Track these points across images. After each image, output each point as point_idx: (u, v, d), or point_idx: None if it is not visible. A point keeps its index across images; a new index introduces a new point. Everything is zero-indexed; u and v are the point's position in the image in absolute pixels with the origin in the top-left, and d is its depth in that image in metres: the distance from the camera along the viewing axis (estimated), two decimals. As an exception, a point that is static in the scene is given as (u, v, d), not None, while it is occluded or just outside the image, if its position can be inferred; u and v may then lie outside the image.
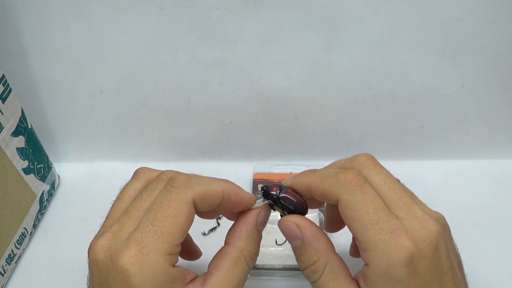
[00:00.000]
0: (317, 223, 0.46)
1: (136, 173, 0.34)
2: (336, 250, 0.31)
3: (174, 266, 0.28)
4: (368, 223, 0.28)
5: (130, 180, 0.34)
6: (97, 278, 0.29)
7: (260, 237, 0.32)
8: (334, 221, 0.35)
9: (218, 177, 0.32)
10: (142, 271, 0.27)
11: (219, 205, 0.31)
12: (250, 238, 0.31)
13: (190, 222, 0.29)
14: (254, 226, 0.32)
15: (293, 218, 0.31)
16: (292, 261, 0.43)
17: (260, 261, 0.42)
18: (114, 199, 0.33)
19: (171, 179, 0.30)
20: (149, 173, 0.34)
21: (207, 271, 0.31)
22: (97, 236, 0.30)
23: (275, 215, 0.34)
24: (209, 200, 0.30)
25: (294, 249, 0.32)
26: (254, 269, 0.42)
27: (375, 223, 0.28)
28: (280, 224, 0.32)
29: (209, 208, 0.31)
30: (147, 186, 0.31)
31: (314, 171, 0.32)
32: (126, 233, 0.29)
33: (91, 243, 0.30)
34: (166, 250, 0.28)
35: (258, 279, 0.43)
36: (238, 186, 0.32)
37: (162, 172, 0.32)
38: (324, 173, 0.32)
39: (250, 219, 0.32)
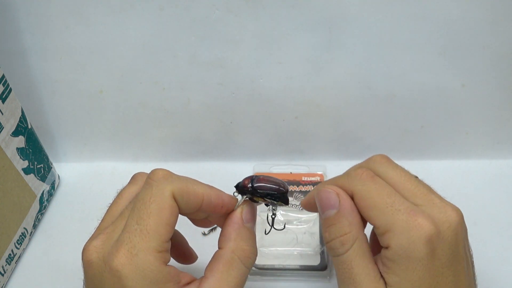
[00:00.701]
0: (317, 224, 0.46)
1: (134, 178, 0.35)
2: None
3: (166, 265, 0.28)
4: (384, 207, 0.28)
5: (127, 184, 0.34)
6: (91, 279, 0.29)
7: (251, 235, 0.32)
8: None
9: (201, 181, 0.32)
10: (133, 272, 0.27)
11: (200, 207, 0.30)
12: (239, 237, 0.31)
13: (174, 217, 0.29)
14: (241, 225, 0.31)
15: (334, 187, 0.31)
16: (292, 261, 0.43)
17: (260, 261, 0.42)
18: (111, 203, 0.33)
19: (151, 172, 0.30)
20: (146, 178, 0.34)
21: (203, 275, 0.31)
22: (91, 238, 0.30)
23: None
24: (188, 199, 0.30)
25: (325, 219, 0.31)
26: (254, 269, 0.42)
27: (390, 205, 0.28)
28: (319, 191, 0.32)
29: (192, 209, 0.30)
30: (141, 190, 0.31)
31: (326, 180, 0.34)
32: (117, 234, 0.29)
33: (85, 244, 0.30)
34: (154, 248, 0.28)
35: (258, 279, 0.43)
36: (218, 189, 0.32)
37: (152, 173, 0.32)
38: (336, 176, 0.33)
39: (235, 219, 0.32)
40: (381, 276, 0.29)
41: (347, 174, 0.32)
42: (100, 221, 0.32)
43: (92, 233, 0.32)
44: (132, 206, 0.29)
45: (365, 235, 0.30)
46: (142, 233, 0.28)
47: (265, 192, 0.32)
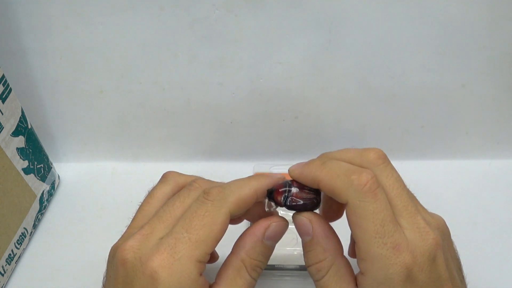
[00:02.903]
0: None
1: (164, 177, 0.34)
2: None
3: (201, 275, 0.28)
4: (373, 235, 0.27)
5: (158, 184, 0.34)
6: (122, 278, 0.29)
7: (267, 251, 0.31)
8: (332, 210, 0.34)
9: (249, 176, 0.32)
10: (171, 276, 0.27)
11: (256, 201, 0.31)
12: (253, 250, 0.31)
13: (223, 232, 0.29)
14: (260, 239, 0.31)
15: (307, 214, 0.31)
16: (292, 261, 0.43)
17: (260, 261, 0.42)
18: (142, 201, 0.33)
19: (205, 193, 0.30)
20: (178, 178, 0.34)
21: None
22: (125, 237, 0.30)
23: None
24: (245, 205, 0.30)
25: (304, 245, 0.31)
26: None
27: (380, 236, 0.27)
28: (294, 217, 0.31)
29: (245, 210, 0.31)
30: (179, 193, 0.32)
31: (323, 164, 0.30)
32: (157, 236, 0.29)
33: (118, 243, 0.30)
34: (198, 257, 0.28)
35: (258, 279, 0.43)
36: (265, 175, 0.31)
37: (194, 181, 0.32)
38: (335, 168, 0.29)
39: (256, 231, 0.31)
40: None
41: (348, 176, 0.28)
42: (131, 220, 0.32)
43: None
44: (180, 214, 0.30)
45: (344, 258, 0.30)
46: (190, 241, 0.28)
47: (298, 208, 0.31)
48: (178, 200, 0.31)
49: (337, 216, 0.34)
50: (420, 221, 0.28)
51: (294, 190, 0.31)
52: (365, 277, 0.28)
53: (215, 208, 0.29)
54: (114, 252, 0.30)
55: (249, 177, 0.32)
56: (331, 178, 0.29)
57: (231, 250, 0.31)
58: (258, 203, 0.32)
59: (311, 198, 0.31)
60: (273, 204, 0.32)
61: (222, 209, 0.29)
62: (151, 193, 0.33)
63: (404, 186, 0.30)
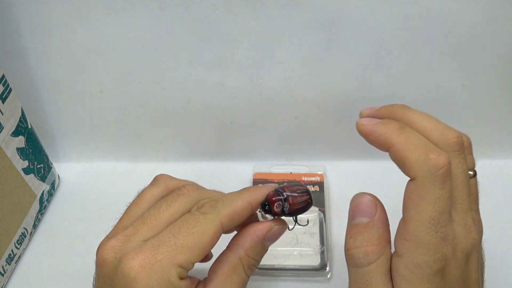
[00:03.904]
0: (317, 224, 0.46)
1: (156, 180, 0.34)
2: None
3: (182, 278, 0.28)
4: (428, 220, 0.26)
5: (148, 186, 0.34)
6: (102, 278, 0.29)
7: (264, 251, 0.32)
8: None
9: (241, 189, 0.31)
10: (149, 276, 0.27)
11: (252, 213, 0.31)
12: (252, 249, 0.31)
13: (213, 243, 0.29)
14: (260, 239, 0.31)
15: (372, 195, 0.29)
16: (292, 261, 0.43)
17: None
18: (130, 202, 0.33)
19: (198, 207, 0.30)
20: (169, 181, 0.34)
21: (207, 275, 0.31)
22: (108, 237, 0.30)
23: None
24: (238, 218, 0.30)
25: (354, 225, 0.29)
26: (254, 269, 0.42)
27: (434, 223, 0.26)
28: (356, 197, 0.29)
29: (240, 222, 0.30)
30: (167, 197, 0.31)
31: (401, 128, 0.28)
32: (139, 238, 0.29)
33: (101, 243, 0.29)
34: (180, 262, 0.27)
35: (258, 279, 0.43)
36: (259, 187, 0.31)
37: (184, 186, 0.32)
38: (414, 139, 0.28)
39: (258, 232, 0.31)
40: None
41: (426, 154, 0.26)
42: (117, 220, 0.32)
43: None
44: (168, 219, 0.29)
45: (391, 253, 0.28)
46: (175, 245, 0.27)
47: (299, 213, 0.32)
48: (164, 204, 0.30)
49: None
50: (469, 219, 0.28)
51: (288, 197, 0.31)
52: (402, 259, 0.27)
53: (207, 220, 0.29)
54: (97, 253, 0.29)
55: (242, 189, 0.32)
56: (407, 148, 0.27)
57: (226, 246, 0.31)
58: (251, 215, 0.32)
59: (306, 200, 0.32)
60: (268, 216, 0.32)
61: (214, 221, 0.29)
62: (140, 195, 0.33)
63: (468, 181, 0.29)
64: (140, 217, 0.30)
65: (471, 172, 0.30)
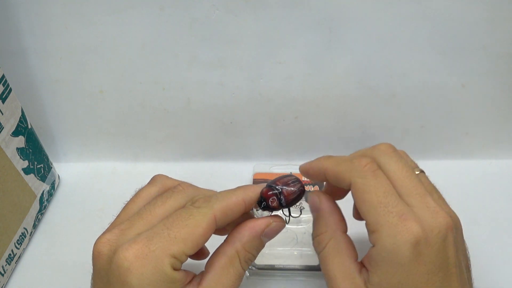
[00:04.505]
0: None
1: (153, 179, 0.35)
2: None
3: (176, 269, 0.28)
4: (377, 205, 0.28)
5: (146, 185, 0.35)
6: (98, 271, 0.29)
7: (261, 247, 0.32)
8: (335, 190, 0.36)
9: (235, 187, 0.32)
10: (143, 266, 0.27)
11: (245, 211, 0.31)
12: (250, 244, 0.31)
13: (206, 237, 0.29)
14: (259, 234, 0.31)
15: (317, 192, 0.34)
16: (292, 261, 0.43)
17: (260, 261, 0.42)
18: (127, 201, 0.34)
19: (192, 201, 0.30)
20: (166, 181, 0.34)
21: (204, 269, 0.31)
22: (105, 232, 0.30)
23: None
24: (232, 213, 0.30)
25: (313, 221, 0.34)
26: (254, 269, 0.42)
27: (384, 205, 0.28)
28: (308, 196, 0.34)
29: (233, 219, 0.31)
30: (162, 194, 0.32)
31: (330, 156, 0.34)
32: (134, 232, 0.29)
33: (97, 238, 0.30)
34: (173, 253, 0.28)
35: (258, 279, 0.43)
36: (255, 186, 0.32)
37: (179, 184, 0.33)
38: (340, 158, 0.33)
39: (257, 226, 0.32)
40: (362, 272, 0.30)
41: (351, 160, 0.31)
42: (115, 217, 0.33)
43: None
44: (163, 214, 0.30)
45: (345, 235, 0.32)
46: (169, 236, 0.28)
47: (295, 202, 0.33)
48: (160, 200, 0.31)
49: (340, 195, 0.36)
50: (430, 201, 0.29)
51: (282, 189, 0.32)
52: (375, 248, 0.28)
53: (200, 214, 0.29)
54: (93, 246, 0.30)
55: (236, 187, 0.32)
56: (335, 165, 0.32)
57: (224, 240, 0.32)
58: (244, 214, 0.32)
59: (299, 188, 0.33)
60: (266, 213, 0.32)
61: (208, 214, 0.29)
62: (137, 193, 0.34)
63: (413, 171, 0.31)
64: (136, 213, 0.31)
65: (417, 172, 0.32)
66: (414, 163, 0.34)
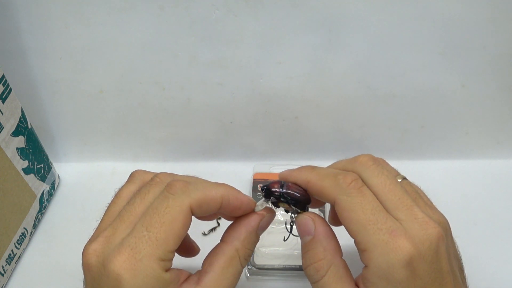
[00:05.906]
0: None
1: (132, 176, 0.34)
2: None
3: (167, 270, 0.28)
4: (366, 223, 0.28)
5: (125, 183, 0.34)
6: (90, 282, 0.29)
7: (257, 241, 0.32)
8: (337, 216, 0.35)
9: (216, 182, 0.32)
10: (134, 277, 0.27)
11: (218, 210, 0.30)
12: (247, 240, 0.31)
13: (185, 229, 0.29)
14: (255, 229, 0.32)
15: (310, 214, 0.32)
16: (292, 261, 0.43)
17: (260, 261, 0.42)
18: (109, 202, 0.33)
19: (169, 185, 0.30)
20: (144, 176, 0.34)
21: (201, 268, 0.31)
22: (90, 241, 0.30)
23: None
24: (207, 206, 0.30)
25: (303, 245, 0.32)
26: (254, 269, 0.42)
27: (373, 223, 0.28)
28: (297, 218, 0.32)
29: (208, 213, 0.30)
30: (140, 190, 0.31)
31: (313, 168, 0.33)
32: (119, 238, 0.29)
33: (84, 247, 0.29)
34: (159, 256, 0.28)
35: (258, 279, 0.43)
36: (237, 190, 0.31)
37: (156, 175, 0.32)
38: (323, 172, 0.32)
39: (252, 222, 0.32)
40: None
41: (335, 176, 0.30)
42: (99, 222, 0.32)
43: (92, 233, 0.31)
44: (143, 212, 0.29)
45: (342, 260, 0.30)
46: (150, 240, 0.27)
47: (290, 198, 0.32)
48: (138, 197, 0.30)
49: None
50: (418, 213, 0.28)
51: (289, 184, 0.33)
52: (368, 268, 0.28)
53: (176, 203, 0.28)
54: (82, 257, 0.30)
55: (219, 183, 0.32)
56: (319, 179, 0.31)
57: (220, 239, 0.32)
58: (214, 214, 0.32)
59: (304, 192, 0.33)
60: (267, 203, 0.32)
61: (184, 205, 0.29)
62: (117, 193, 0.33)
63: (397, 182, 0.30)
64: (118, 216, 0.30)
65: (399, 179, 0.32)
66: (395, 170, 0.33)
